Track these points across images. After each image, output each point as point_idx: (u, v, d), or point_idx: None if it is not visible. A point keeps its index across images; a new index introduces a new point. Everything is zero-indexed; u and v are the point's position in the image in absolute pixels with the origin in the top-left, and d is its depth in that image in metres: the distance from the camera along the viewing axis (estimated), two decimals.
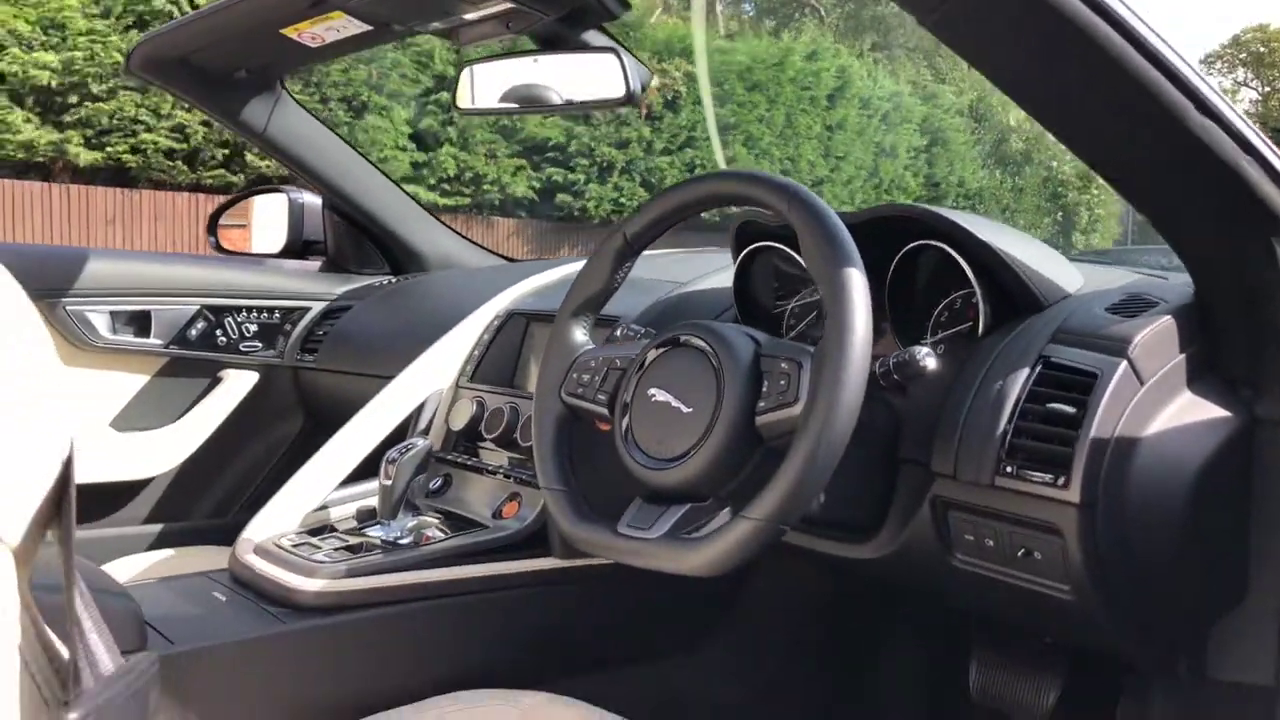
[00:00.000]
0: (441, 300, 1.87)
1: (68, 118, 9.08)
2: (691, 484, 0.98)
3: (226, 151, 9.70)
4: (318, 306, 1.98)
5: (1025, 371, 0.99)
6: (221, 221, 2.19)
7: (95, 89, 9.05)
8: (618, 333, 1.21)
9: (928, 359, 0.95)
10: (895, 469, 1.08)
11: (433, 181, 11.36)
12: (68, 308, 1.72)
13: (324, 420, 2.01)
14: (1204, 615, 1.02)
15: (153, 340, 1.82)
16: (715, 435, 0.96)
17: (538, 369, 1.47)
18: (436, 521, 1.32)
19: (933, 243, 1.11)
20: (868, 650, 1.56)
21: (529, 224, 13.03)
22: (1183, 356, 1.00)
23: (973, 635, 1.42)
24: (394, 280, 2.05)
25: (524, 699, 1.13)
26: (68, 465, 0.42)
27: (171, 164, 9.62)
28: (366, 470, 1.41)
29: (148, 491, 1.86)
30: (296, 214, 2.08)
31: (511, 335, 1.51)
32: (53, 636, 0.43)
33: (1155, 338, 0.98)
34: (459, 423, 1.42)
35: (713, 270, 1.42)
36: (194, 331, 1.86)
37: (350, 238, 2.06)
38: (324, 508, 1.36)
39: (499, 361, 1.49)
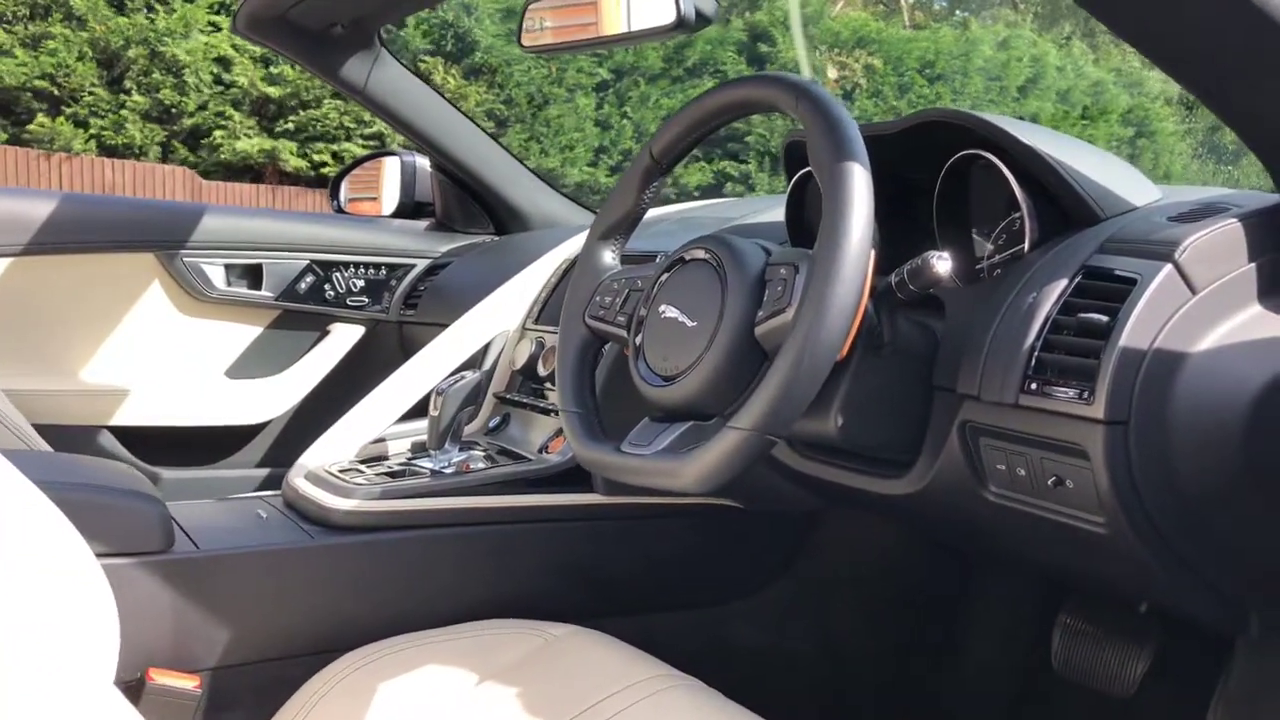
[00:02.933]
0: (533, 255, 1.88)
1: (279, 126, 9.74)
2: (693, 400, 0.94)
3: None
4: (422, 263, 2.03)
5: (1063, 282, 0.90)
6: (352, 195, 2.28)
7: (305, 98, 9.67)
8: (657, 259, 1.17)
9: (939, 263, 0.88)
10: (930, 397, 1.00)
11: (613, 162, 11.61)
12: (185, 260, 1.83)
13: None
14: (1272, 562, 0.90)
15: (264, 293, 1.91)
16: (715, 348, 0.91)
17: None
18: (484, 454, 1.32)
19: (979, 153, 1.03)
20: (943, 611, 1.46)
21: None
22: (1252, 266, 0.88)
23: (1059, 602, 1.31)
24: (496, 239, 2.08)
25: (551, 629, 1.11)
26: None
27: None
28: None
29: (260, 437, 1.95)
30: (409, 176, 2.14)
31: None
32: None
33: (1214, 243, 0.87)
34: (519, 362, 1.42)
35: (769, 207, 1.36)
36: (303, 285, 1.94)
37: (457, 198, 2.10)
38: (381, 440, 1.38)
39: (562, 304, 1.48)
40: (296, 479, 1.26)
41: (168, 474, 1.86)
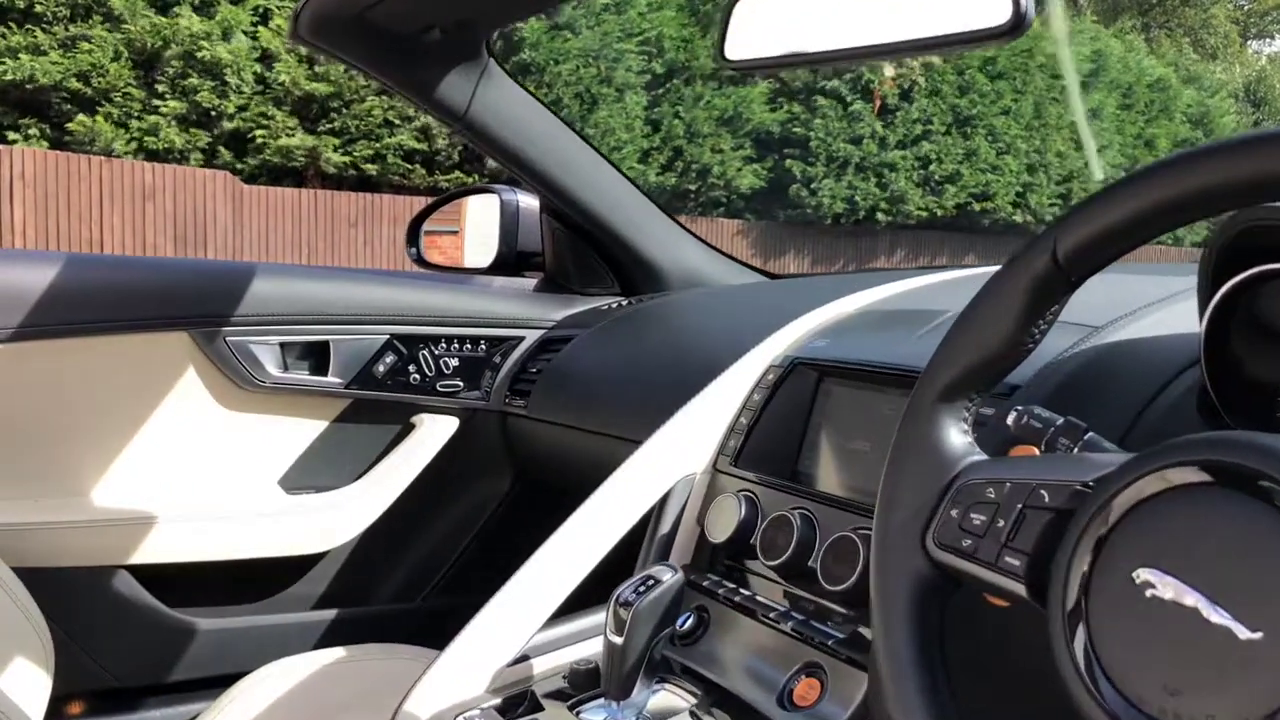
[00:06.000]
0: (687, 333, 1.41)
1: (323, 125, 9.40)
2: None
3: (464, 149, 9.76)
4: (532, 336, 1.56)
5: None
6: (428, 228, 1.82)
7: (347, 96, 9.33)
8: (1009, 419, 0.69)
9: None
10: None
11: (663, 160, 11.20)
12: (229, 339, 1.37)
13: (537, 480, 1.60)
14: None
15: (331, 378, 1.45)
16: None
17: (837, 457, 0.98)
18: (690, 704, 0.84)
19: None
20: None
21: (755, 226, 12.62)
22: None
23: None
24: (626, 303, 1.61)
25: None
26: None
27: (410, 167, 9.80)
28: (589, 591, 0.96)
29: (320, 567, 1.49)
30: (510, 219, 1.67)
31: (796, 397, 1.02)
32: None
33: None
34: (720, 531, 0.95)
35: (1161, 298, 0.88)
36: (382, 367, 1.48)
37: (573, 249, 1.63)
38: (524, 658, 0.92)
39: (776, 437, 1.01)
40: None
41: (205, 623, 1.41)
